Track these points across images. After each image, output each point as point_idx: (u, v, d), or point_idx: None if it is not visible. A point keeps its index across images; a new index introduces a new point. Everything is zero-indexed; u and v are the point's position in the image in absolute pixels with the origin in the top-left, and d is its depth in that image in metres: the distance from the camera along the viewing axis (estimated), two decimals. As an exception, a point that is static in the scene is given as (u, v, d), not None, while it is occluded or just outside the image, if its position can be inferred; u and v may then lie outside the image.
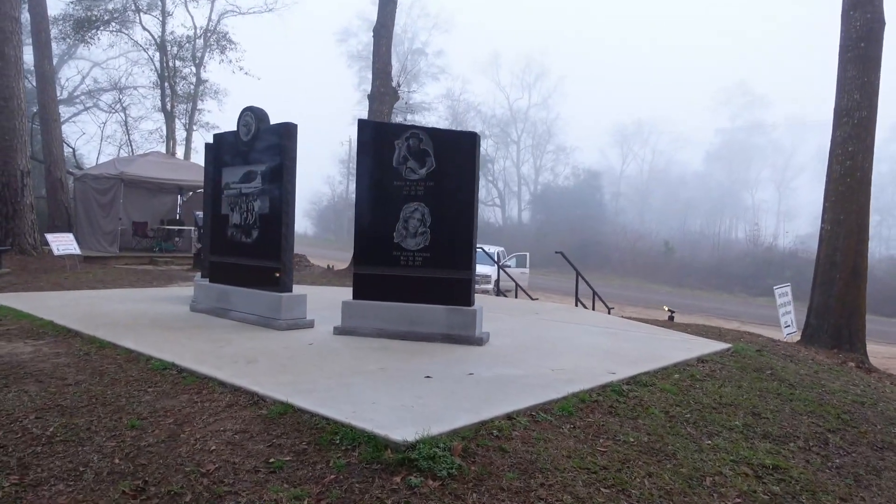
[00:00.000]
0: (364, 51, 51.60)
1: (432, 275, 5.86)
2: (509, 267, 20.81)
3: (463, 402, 3.73)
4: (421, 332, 5.79)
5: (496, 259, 20.46)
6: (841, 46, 8.23)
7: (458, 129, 54.80)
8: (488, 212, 62.24)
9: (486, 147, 58.97)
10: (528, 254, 22.35)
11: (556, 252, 14.23)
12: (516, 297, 14.60)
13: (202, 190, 17.50)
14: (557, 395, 3.98)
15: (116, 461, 3.00)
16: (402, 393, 3.88)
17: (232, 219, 6.94)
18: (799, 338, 8.45)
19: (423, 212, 5.86)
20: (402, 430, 3.09)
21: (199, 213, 13.95)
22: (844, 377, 5.94)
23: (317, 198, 59.94)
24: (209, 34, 20.54)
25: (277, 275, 6.33)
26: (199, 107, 22.69)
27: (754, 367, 5.57)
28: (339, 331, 5.96)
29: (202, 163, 10.56)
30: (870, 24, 7.95)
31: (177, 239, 16.99)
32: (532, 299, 13.70)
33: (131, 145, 25.16)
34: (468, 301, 5.80)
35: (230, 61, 20.12)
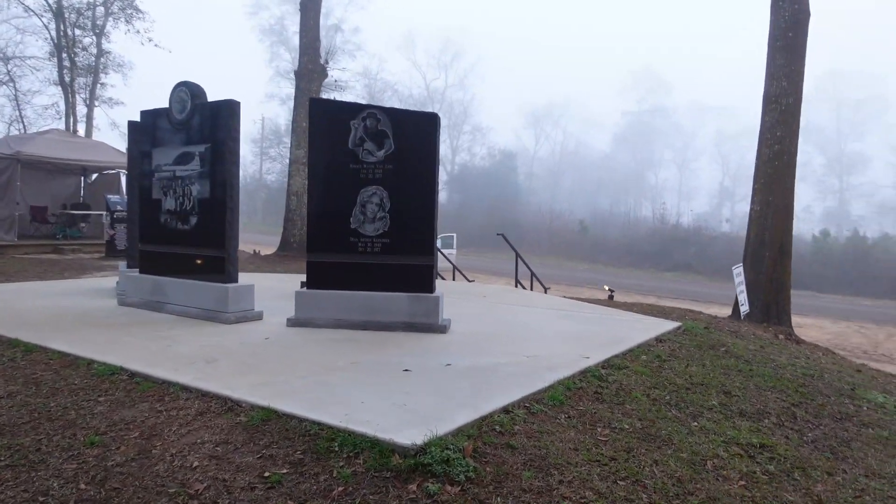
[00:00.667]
0: (276, 25, 49.66)
1: (392, 261, 5.62)
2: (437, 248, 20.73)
3: (455, 397, 3.57)
4: (381, 321, 5.56)
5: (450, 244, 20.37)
6: (770, 36, 8.59)
7: (376, 108, 53.90)
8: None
9: (403, 127, 58.35)
10: (454, 235, 22.33)
11: (498, 234, 14.27)
12: (454, 278, 14.53)
13: (110, 171, 16.26)
14: (544, 384, 3.90)
15: (83, 486, 2.64)
16: (387, 390, 3.66)
17: (165, 204, 6.38)
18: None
19: (381, 196, 5.60)
20: (406, 433, 2.90)
21: (113, 197, 12.93)
22: (787, 351, 6.27)
23: (228, 179, 57.48)
24: (111, 1, 18.82)
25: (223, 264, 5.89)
26: (101, 80, 20.86)
27: (709, 345, 5.75)
28: (293, 322, 5.63)
29: (108, 141, 9.69)
30: (797, 14, 8.33)
31: (82, 225, 15.66)
32: (468, 280, 13.68)
33: (23, 122, 22.87)
34: (430, 288, 5.63)
35: (138, 32, 18.60)
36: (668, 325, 6.39)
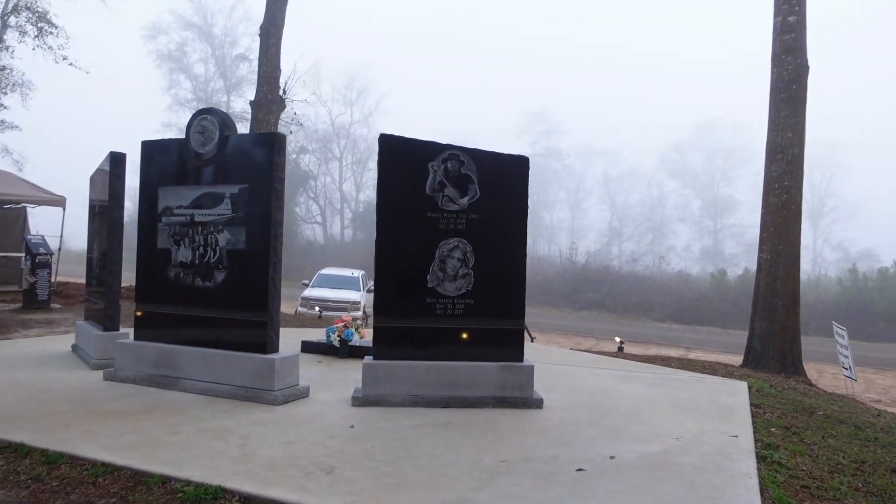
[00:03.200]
0: (176, 51, 46.88)
1: (477, 325, 4.86)
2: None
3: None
4: (467, 396, 4.76)
5: (362, 284, 19.36)
6: (772, 88, 8.78)
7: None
8: (308, 229, 59.93)
9: (307, 163, 56.95)
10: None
11: None
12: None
13: (13, 206, 14.00)
14: (749, 482, 3.31)
15: None
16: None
17: (178, 255, 5.23)
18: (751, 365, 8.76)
19: (464, 249, 4.85)
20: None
21: (33, 238, 11.02)
22: (857, 408, 6.09)
23: (117, 213, 52.62)
24: (10, 13, 16.42)
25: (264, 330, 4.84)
26: (-2, 101, 18.09)
27: (802, 409, 5.43)
28: (361, 401, 4.68)
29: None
30: (799, 68, 8.57)
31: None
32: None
33: None
34: (521, 356, 4.91)
35: (50, 48, 16.27)
36: (739, 385, 6.05)
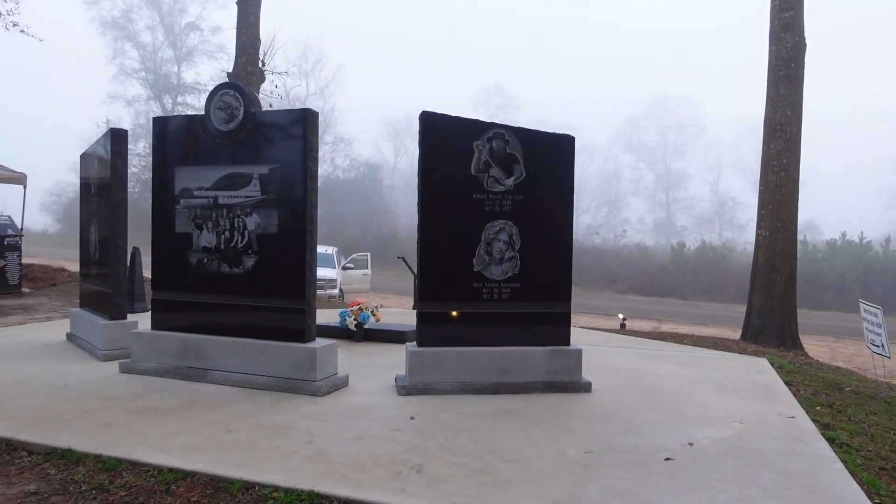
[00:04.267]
0: (121, 18, 44.49)
1: (524, 309, 4.74)
2: (351, 269, 19.47)
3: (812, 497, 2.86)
4: (516, 381, 4.65)
5: (336, 260, 18.99)
6: (771, 65, 8.83)
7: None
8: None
9: (264, 136, 55.22)
10: (368, 254, 21.10)
11: (399, 257, 13.45)
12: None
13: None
14: (840, 475, 3.32)
15: None
16: (717, 499, 2.86)
17: (200, 240, 4.91)
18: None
19: (510, 232, 4.70)
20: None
21: (1, 219, 10.28)
22: (860, 380, 6.26)
23: (59, 188, 49.86)
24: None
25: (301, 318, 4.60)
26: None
27: (829, 384, 5.54)
28: (408, 389, 4.52)
29: None
30: (798, 45, 8.64)
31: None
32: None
33: None
34: (568, 339, 4.82)
35: None
36: (761, 363, 6.13)
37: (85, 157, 6.38)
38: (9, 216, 10.36)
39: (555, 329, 4.77)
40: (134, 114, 46.45)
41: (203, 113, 4.92)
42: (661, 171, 70.66)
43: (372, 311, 6.83)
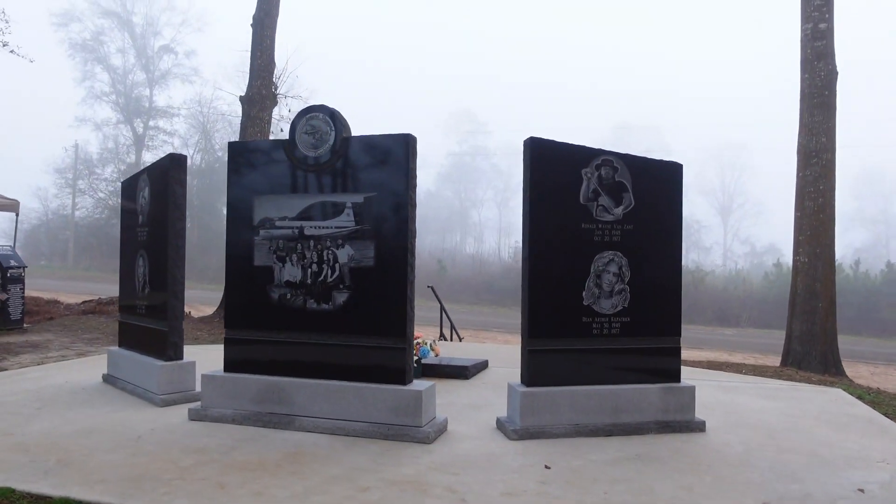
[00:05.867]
0: (92, 41, 43.50)
1: (635, 345, 4.50)
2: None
3: None
4: (629, 422, 4.38)
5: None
6: (804, 93, 8.92)
7: (208, 139, 49.46)
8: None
9: (236, 160, 54.22)
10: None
11: (428, 287, 13.31)
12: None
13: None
14: None
15: None
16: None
17: (283, 274, 4.55)
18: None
19: (619, 263, 4.47)
20: None
21: (2, 248, 9.62)
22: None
23: (24, 215, 47.96)
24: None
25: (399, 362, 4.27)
26: None
27: (921, 416, 5.42)
28: (520, 433, 4.20)
29: None
30: (830, 74, 8.75)
31: None
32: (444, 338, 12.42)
33: None
34: (679, 375, 4.59)
35: None
36: (840, 394, 6.00)
37: (129, 184, 5.95)
38: (10, 246, 9.71)
39: (666, 365, 4.54)
40: (102, 138, 45.23)
41: (287, 138, 4.60)
42: (629, 195, 71.74)
43: (430, 346, 6.50)
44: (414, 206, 4.37)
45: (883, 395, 6.42)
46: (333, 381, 4.38)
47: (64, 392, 5.49)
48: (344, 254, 4.42)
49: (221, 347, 4.80)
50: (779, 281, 36.08)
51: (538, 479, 3.45)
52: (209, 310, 13.63)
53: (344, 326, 4.41)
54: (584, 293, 4.41)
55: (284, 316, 4.54)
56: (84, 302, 11.87)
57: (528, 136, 4.40)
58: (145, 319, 5.56)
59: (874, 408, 5.44)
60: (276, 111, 11.70)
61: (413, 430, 4.13)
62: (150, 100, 44.38)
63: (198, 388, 5.27)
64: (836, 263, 31.19)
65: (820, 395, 5.88)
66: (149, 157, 45.14)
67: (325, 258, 4.46)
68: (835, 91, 8.77)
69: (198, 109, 46.66)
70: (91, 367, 6.71)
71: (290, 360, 4.51)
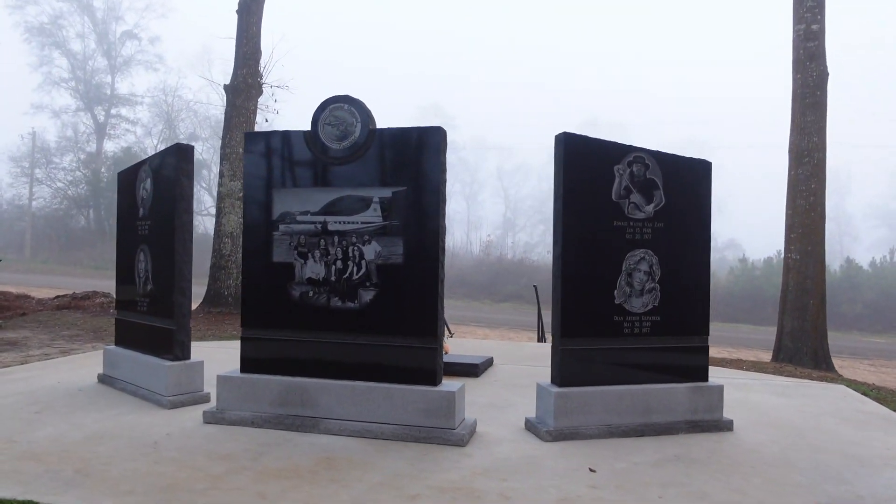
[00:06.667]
0: (49, 24, 41.83)
1: (664, 344, 4.46)
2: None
3: None
4: (659, 422, 4.34)
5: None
6: (796, 93, 9.04)
7: (172, 128, 48.21)
8: (201, 221, 56.23)
9: (200, 151, 53.29)
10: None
11: (534, 286, 13.51)
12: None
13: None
14: None
15: None
16: None
17: (305, 271, 4.37)
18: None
19: (650, 261, 4.42)
20: None
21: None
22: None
23: (-31, 206, 45.94)
24: None
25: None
26: None
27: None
28: (554, 435, 4.12)
29: None
30: (822, 75, 8.89)
31: None
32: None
33: None
34: (707, 374, 4.57)
35: None
36: (846, 390, 6.10)
37: (128, 176, 5.66)
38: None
39: (694, 364, 4.52)
40: (61, 125, 43.63)
41: (309, 129, 4.40)
42: (593, 191, 73.01)
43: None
44: (444, 200, 4.23)
45: (884, 391, 6.55)
46: (360, 381, 4.23)
47: (60, 394, 5.20)
48: (371, 250, 4.26)
49: (212, 344, 4.64)
50: (744, 276, 36.96)
51: (588, 484, 3.37)
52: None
53: (371, 325, 4.25)
54: (615, 292, 4.34)
55: (306, 314, 4.36)
56: (58, 297, 11.37)
57: (560, 132, 4.30)
58: (148, 317, 5.29)
59: (883, 404, 5.53)
60: (260, 100, 11.36)
61: (446, 433, 4.01)
62: (112, 87, 42.99)
63: (206, 388, 5.07)
64: (767, 256, 31.72)
65: (828, 392, 5.96)
66: (110, 147, 43.76)
67: (351, 254, 4.29)
68: (826, 91, 8.92)
69: (162, 98, 45.42)
70: (81, 367, 6.40)
71: (312, 361, 4.34)
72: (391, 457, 3.74)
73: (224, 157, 10.79)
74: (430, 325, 4.15)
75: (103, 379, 5.63)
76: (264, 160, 4.49)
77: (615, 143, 4.41)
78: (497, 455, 3.82)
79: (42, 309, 10.66)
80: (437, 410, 4.06)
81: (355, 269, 4.29)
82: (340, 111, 4.33)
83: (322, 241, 4.34)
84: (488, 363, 6.77)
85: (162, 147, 43.33)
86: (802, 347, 8.67)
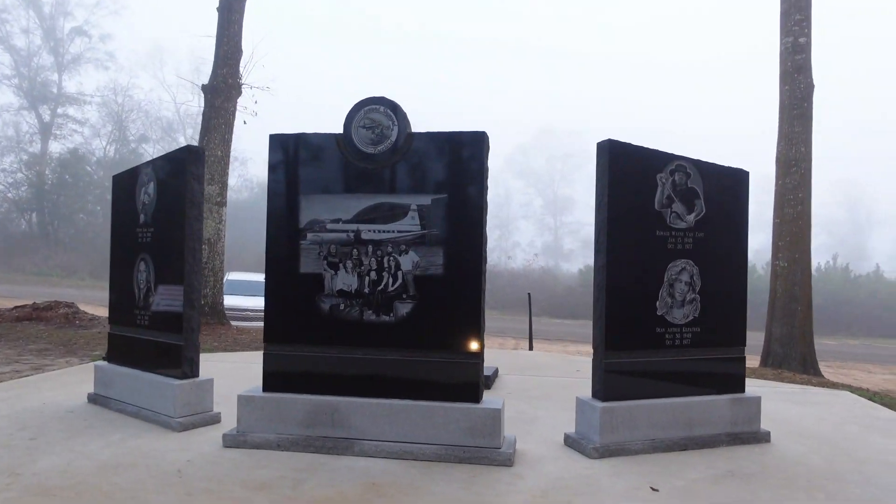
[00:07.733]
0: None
1: (705, 355, 4.38)
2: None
3: None
4: (702, 435, 4.26)
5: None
6: (783, 105, 9.23)
7: (122, 129, 46.51)
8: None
9: (152, 152, 51.54)
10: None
11: (528, 293, 13.46)
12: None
13: None
14: None
15: None
16: None
17: (335, 282, 4.11)
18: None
19: (691, 272, 4.34)
20: None
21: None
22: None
23: None
24: None
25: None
26: None
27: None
28: (601, 451, 3.98)
29: None
30: (808, 87, 9.10)
31: None
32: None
33: None
34: (744, 385, 4.51)
35: None
36: (853, 397, 6.18)
37: (125, 180, 5.26)
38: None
39: (733, 375, 4.45)
40: (2, 124, 41.47)
41: (341, 131, 4.15)
42: (549, 197, 74.37)
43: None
44: (486, 209, 4.05)
45: (886, 396, 6.68)
46: (396, 399, 3.99)
47: (49, 417, 4.77)
48: (408, 261, 4.04)
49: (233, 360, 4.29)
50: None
51: (657, 505, 3.23)
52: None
53: (408, 340, 4.03)
54: (657, 303, 4.24)
55: (337, 328, 4.09)
56: (16, 307, 10.64)
57: (604, 139, 4.18)
58: (150, 332, 4.91)
59: (895, 410, 5.61)
60: (239, 101, 10.91)
61: (492, 453, 3.81)
62: (59, 85, 41.13)
63: (216, 409, 4.73)
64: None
65: (836, 399, 6.02)
66: (56, 147, 41.82)
67: (386, 265, 4.06)
68: (812, 103, 9.14)
69: (112, 98, 43.74)
70: (64, 385, 5.93)
71: (344, 378, 4.08)
72: (440, 480, 3.53)
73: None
74: (473, 339, 3.95)
75: (95, 399, 5.21)
76: (290, 164, 4.22)
77: (658, 151, 4.31)
78: (549, 475, 3.65)
79: None
80: (481, 429, 3.86)
81: (391, 280, 4.06)
82: (376, 113, 4.10)
83: (355, 250, 4.09)
84: (496, 373, 6.61)
85: (111, 149, 41.75)
86: (791, 352, 8.82)
